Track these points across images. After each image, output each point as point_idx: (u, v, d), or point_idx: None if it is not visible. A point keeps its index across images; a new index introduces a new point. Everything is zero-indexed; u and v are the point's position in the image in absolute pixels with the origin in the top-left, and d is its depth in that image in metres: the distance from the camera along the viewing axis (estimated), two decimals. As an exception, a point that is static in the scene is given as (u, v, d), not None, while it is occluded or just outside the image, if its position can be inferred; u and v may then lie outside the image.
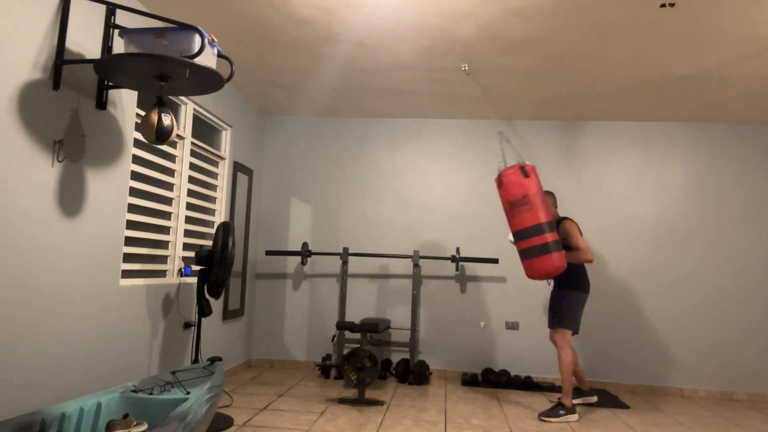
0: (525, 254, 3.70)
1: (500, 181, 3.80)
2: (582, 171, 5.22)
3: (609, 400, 4.47)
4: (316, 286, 5.39)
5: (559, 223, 3.99)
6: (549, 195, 4.04)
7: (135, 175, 3.36)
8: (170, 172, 3.84)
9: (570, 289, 3.94)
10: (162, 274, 3.78)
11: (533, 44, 3.59)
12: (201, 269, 3.55)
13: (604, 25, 3.28)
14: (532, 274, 3.71)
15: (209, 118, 4.41)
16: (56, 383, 2.63)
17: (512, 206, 3.72)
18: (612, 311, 5.04)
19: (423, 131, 5.42)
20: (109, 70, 2.58)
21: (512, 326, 5.13)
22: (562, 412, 3.77)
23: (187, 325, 4.00)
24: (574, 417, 3.80)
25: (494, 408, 4.08)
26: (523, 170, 3.70)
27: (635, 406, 4.38)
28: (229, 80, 2.87)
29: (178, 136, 3.91)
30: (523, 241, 3.69)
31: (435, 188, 5.34)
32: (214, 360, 3.16)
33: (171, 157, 3.85)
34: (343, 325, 4.35)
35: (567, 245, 3.88)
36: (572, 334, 3.95)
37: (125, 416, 2.26)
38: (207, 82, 2.65)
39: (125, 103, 3.14)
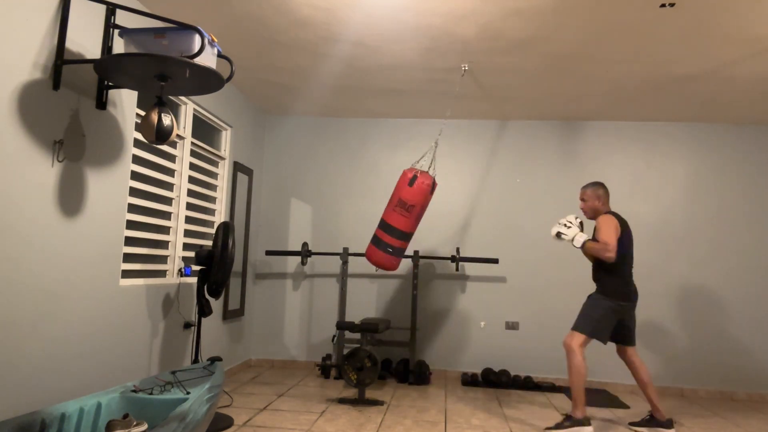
0: (378, 244, 4.06)
1: (413, 180, 3.93)
2: (582, 171, 5.22)
3: (609, 400, 4.48)
4: (316, 286, 5.39)
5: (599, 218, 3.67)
6: (595, 186, 3.75)
7: (135, 175, 3.36)
8: (170, 172, 3.84)
9: (598, 293, 3.63)
10: (162, 274, 3.78)
11: (533, 44, 3.59)
12: (201, 269, 3.55)
13: (604, 25, 3.28)
14: (370, 256, 4.12)
15: (209, 118, 4.41)
16: (56, 383, 2.63)
17: (402, 205, 3.97)
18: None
19: (423, 131, 5.42)
20: (109, 70, 2.58)
21: (512, 326, 5.13)
22: (567, 423, 3.43)
23: (187, 325, 4.00)
24: (588, 429, 3.39)
25: (494, 408, 4.08)
26: (434, 185, 4.01)
27: (635, 406, 4.38)
28: (229, 80, 2.87)
29: (178, 136, 3.91)
30: (387, 234, 4.02)
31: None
32: (214, 360, 3.16)
33: (171, 157, 3.85)
34: (343, 325, 4.35)
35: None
36: (620, 345, 3.69)
37: (125, 416, 2.26)
38: (207, 82, 2.65)
39: (125, 103, 3.14)
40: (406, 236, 4.04)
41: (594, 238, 3.62)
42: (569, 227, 3.64)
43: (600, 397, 4.56)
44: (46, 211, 2.54)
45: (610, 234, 3.51)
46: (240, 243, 4.96)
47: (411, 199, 3.92)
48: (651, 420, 3.66)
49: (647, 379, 3.64)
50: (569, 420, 3.46)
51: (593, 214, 3.75)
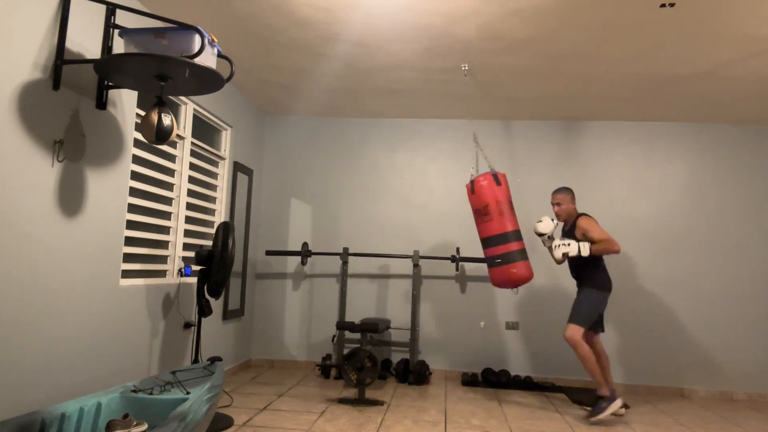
0: (491, 263, 3.96)
1: (472, 187, 3.99)
2: (582, 171, 5.22)
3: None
4: (316, 286, 5.39)
5: (576, 220, 4.00)
6: (567, 191, 4.08)
7: (135, 175, 3.36)
8: (170, 172, 3.84)
9: (586, 286, 3.95)
10: (162, 274, 3.78)
11: (533, 44, 3.59)
12: (201, 269, 3.55)
13: (604, 25, 3.28)
14: (493, 279, 3.98)
15: (209, 118, 4.41)
16: (56, 383, 2.63)
17: (478, 213, 3.97)
18: (611, 311, 5.03)
19: (423, 131, 5.42)
20: (109, 70, 2.58)
21: (512, 326, 5.13)
22: (604, 404, 3.73)
23: (187, 325, 4.00)
24: (618, 403, 3.74)
25: (494, 408, 4.08)
26: (496, 178, 3.94)
27: (635, 406, 4.38)
28: (229, 80, 2.87)
29: (178, 136, 3.91)
30: (488, 248, 3.95)
31: (435, 188, 5.34)
32: (214, 360, 3.16)
33: (171, 157, 3.85)
34: (343, 325, 4.35)
35: (590, 239, 3.85)
36: (590, 331, 4.00)
37: (125, 416, 2.26)
38: (207, 82, 2.65)
39: (125, 103, 3.14)
40: (506, 237, 3.88)
41: (580, 239, 3.92)
42: (569, 245, 3.86)
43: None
44: (46, 211, 2.54)
45: (602, 231, 3.84)
46: (240, 243, 4.96)
47: (481, 201, 3.93)
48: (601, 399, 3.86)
49: (607, 365, 4.01)
50: (604, 399, 3.76)
51: (567, 217, 4.08)
